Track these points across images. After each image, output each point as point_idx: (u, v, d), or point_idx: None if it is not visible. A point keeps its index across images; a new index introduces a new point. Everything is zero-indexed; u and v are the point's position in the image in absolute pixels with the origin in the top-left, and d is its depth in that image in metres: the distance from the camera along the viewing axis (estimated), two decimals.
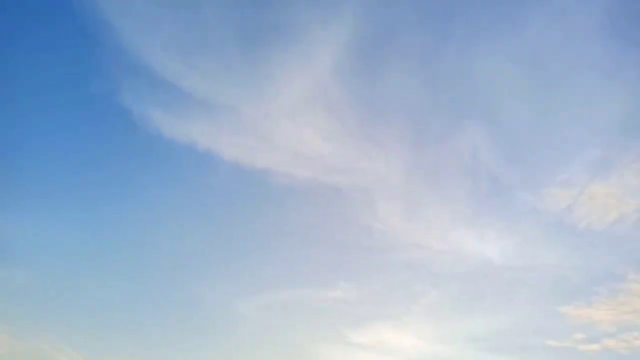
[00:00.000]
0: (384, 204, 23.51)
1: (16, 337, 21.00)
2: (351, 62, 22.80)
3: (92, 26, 23.15)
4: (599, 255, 20.77)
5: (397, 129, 23.15)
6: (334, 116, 23.59)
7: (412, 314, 23.24)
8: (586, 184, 20.95)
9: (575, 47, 20.84)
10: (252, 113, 24.00)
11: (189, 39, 23.55)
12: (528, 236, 21.86)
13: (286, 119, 23.96)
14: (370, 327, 23.74)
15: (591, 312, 20.28)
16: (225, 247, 25.37)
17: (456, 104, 22.43)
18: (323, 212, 24.53)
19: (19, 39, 24.04)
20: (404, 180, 23.33)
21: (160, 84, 23.44)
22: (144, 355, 21.67)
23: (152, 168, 25.15)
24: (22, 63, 23.99)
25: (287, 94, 23.54)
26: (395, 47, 22.54)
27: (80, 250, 23.90)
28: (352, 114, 23.55)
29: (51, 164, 24.36)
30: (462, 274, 22.66)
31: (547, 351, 20.63)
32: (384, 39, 22.53)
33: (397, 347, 22.74)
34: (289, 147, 24.04)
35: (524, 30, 21.08)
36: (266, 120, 24.03)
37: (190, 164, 24.80)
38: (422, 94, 22.66)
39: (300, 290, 24.53)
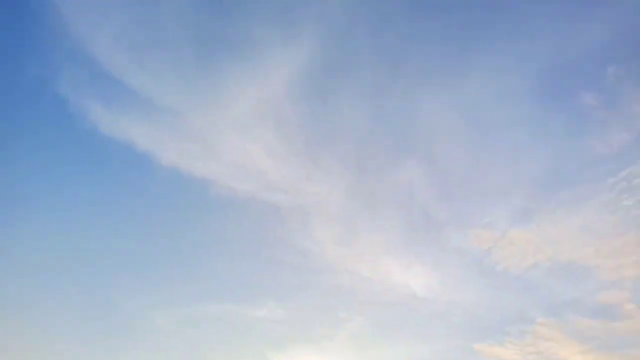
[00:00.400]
0: (320, 226, 23.86)
1: None
2: (305, 84, 23.29)
3: (34, 2, 22.00)
4: (513, 298, 22.32)
5: (341, 156, 23.78)
6: (281, 135, 23.81)
7: (336, 340, 23.44)
8: (507, 229, 22.59)
9: (508, 103, 22.70)
10: (198, 120, 23.63)
11: (142, 36, 22.91)
12: (451, 272, 23.08)
13: (232, 131, 23.81)
14: (293, 349, 23.59)
15: (502, 351, 21.61)
16: (152, 254, 24.38)
17: (398, 140, 23.50)
18: (259, 228, 24.40)
19: None
20: (342, 206, 23.88)
21: (104, 77, 22.54)
22: None
23: (83, 163, 23.82)
24: None
25: (236, 106, 23.47)
26: (348, 77, 23.35)
27: None
28: (300, 135, 23.90)
29: None
30: (386, 303, 23.31)
31: None
32: (338, 67, 23.29)
33: None
34: (232, 159, 23.85)
35: (465, 83, 22.69)
36: (212, 129, 23.74)
37: (124, 164, 23.79)
38: (368, 126, 23.55)
39: (226, 306, 24.03)
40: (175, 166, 23.23)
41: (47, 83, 22.64)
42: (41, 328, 21.27)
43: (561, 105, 21.87)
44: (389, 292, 23.27)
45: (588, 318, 21.18)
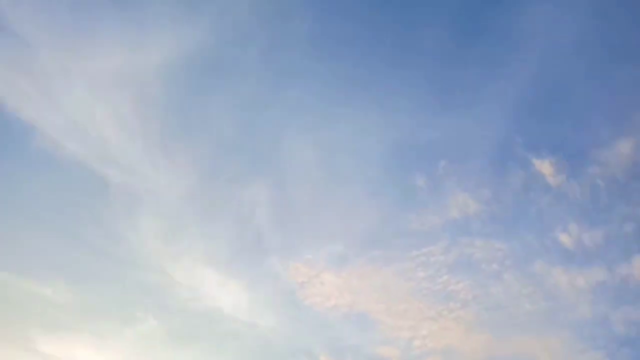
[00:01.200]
0: (147, 217, 22.41)
1: None
2: (182, 70, 22.12)
3: None
4: (309, 333, 23.98)
5: (194, 155, 22.95)
6: (138, 110, 22.01)
7: (123, 339, 22.02)
8: (322, 270, 24.39)
9: (359, 163, 24.71)
10: (49, 60, 20.47)
11: None
12: (262, 297, 23.83)
13: (84, 86, 21.20)
14: (70, 338, 21.41)
15: None
16: None
17: (255, 160, 23.72)
18: (77, 199, 21.84)
19: None
20: (178, 204, 22.92)
21: None
22: None
23: None
24: None
25: (99, 63, 21.07)
26: (229, 82, 22.91)
27: None
28: (158, 117, 22.43)
29: None
30: (190, 312, 22.91)
31: None
32: (223, 68, 22.72)
33: None
34: (72, 115, 21.14)
35: (332, 130, 23.98)
36: (61, 75, 20.76)
37: None
38: (231, 136, 23.32)
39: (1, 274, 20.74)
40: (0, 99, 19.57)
41: None
42: None
43: (399, 179, 24.82)
44: (196, 302, 22.95)
45: None
